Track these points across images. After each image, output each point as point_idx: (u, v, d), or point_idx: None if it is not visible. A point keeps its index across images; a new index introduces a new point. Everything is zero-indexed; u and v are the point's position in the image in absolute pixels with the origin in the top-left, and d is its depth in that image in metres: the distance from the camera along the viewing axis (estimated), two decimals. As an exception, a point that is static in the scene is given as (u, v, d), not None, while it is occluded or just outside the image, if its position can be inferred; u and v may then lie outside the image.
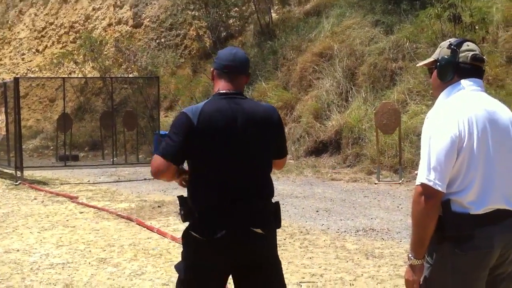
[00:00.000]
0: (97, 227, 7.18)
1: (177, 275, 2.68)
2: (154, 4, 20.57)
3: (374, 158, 10.25)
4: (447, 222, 2.13)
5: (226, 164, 2.56)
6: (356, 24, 13.69)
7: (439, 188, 2.11)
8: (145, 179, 11.73)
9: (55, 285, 4.89)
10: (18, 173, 11.87)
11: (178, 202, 2.65)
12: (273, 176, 2.74)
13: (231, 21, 18.37)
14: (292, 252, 5.61)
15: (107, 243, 6.33)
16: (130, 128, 14.97)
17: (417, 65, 2.88)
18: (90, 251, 6.01)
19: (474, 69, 2.31)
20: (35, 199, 9.57)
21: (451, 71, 2.30)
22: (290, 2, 17.16)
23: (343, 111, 12.08)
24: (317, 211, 7.58)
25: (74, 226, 7.26)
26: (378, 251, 5.54)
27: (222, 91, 2.66)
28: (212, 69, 2.77)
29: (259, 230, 2.57)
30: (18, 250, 6.08)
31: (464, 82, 2.29)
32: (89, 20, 22.19)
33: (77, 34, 21.65)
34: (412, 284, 2.23)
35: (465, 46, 2.32)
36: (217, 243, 2.50)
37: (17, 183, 11.38)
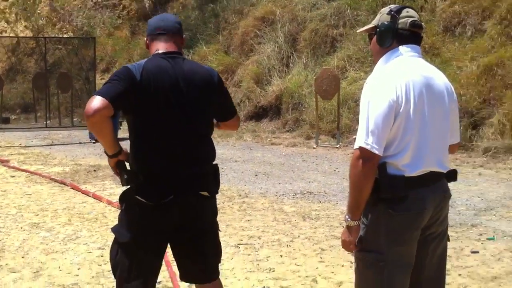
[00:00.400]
0: (29, 191, 6.96)
1: (113, 238, 2.62)
2: (90, -40, 19.75)
3: (313, 123, 10.36)
4: (382, 184, 2.17)
5: (169, 125, 2.50)
6: (299, -11, 13.60)
7: (376, 152, 2.14)
8: (80, 142, 11.45)
9: (-15, 250, 4.71)
10: None
11: (118, 167, 2.54)
12: (212, 140, 2.70)
13: (172, -19, 17.90)
14: (231, 215, 5.62)
15: (40, 207, 6.15)
16: (64, 90, 14.47)
17: (358, 31, 2.89)
18: (22, 215, 5.82)
19: (412, 35, 2.32)
20: (-37, 161, 9.16)
21: (390, 37, 2.30)
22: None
23: (284, 77, 12.11)
24: (256, 175, 7.62)
25: (5, 190, 7.01)
26: (315, 213, 5.63)
27: (161, 51, 2.58)
28: (145, 38, 2.69)
29: (205, 193, 2.55)
30: None
31: (402, 48, 2.30)
32: (21, -24, 21.05)
33: (9, -9, 20.55)
34: (348, 245, 2.27)
35: (404, 13, 2.32)
36: (164, 207, 2.46)
37: None
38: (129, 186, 2.55)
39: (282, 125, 11.40)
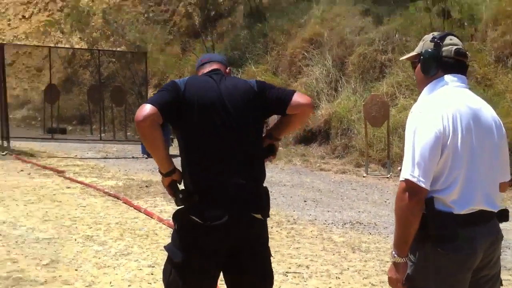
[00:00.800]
0: (83, 204, 7.18)
1: (165, 256, 2.66)
2: (144, -24, 20.27)
3: (363, 150, 10.28)
4: (430, 221, 2.10)
5: (218, 142, 2.53)
6: (346, 12, 13.66)
7: (423, 185, 2.07)
8: (133, 157, 11.70)
9: (41, 260, 4.89)
10: (5, 143, 11.74)
11: (171, 187, 2.59)
12: (264, 162, 2.73)
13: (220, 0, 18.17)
14: (279, 241, 5.66)
15: (94, 220, 6.34)
16: (118, 104, 14.85)
17: (401, 58, 2.83)
18: (76, 227, 6.02)
19: (457, 64, 2.25)
20: (22, 170, 9.53)
21: (434, 65, 2.24)
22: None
23: (332, 101, 12.11)
24: (305, 201, 7.64)
25: (60, 201, 7.25)
26: (365, 246, 5.60)
27: (206, 71, 2.75)
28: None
29: (259, 216, 2.57)
30: (4, 222, 6.08)
31: (448, 77, 2.24)
32: (77, -12, 21.77)
33: (64, 3, 21.28)
34: (396, 282, 2.19)
35: (448, 40, 2.26)
36: (218, 228, 2.47)
37: (3, 153, 11.27)
38: (182, 206, 2.58)
39: (331, 150, 11.34)
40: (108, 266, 4.80)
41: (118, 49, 18.16)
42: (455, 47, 2.25)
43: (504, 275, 2.39)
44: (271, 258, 2.78)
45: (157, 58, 17.56)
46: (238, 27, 16.89)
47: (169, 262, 2.62)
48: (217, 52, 16.05)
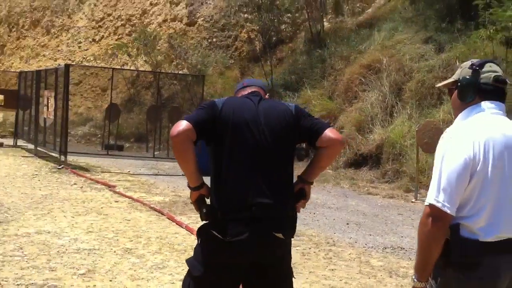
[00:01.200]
0: (128, 217, 7.32)
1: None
2: (209, 4, 20.82)
3: (414, 176, 10.04)
4: (454, 247, 2.07)
5: (248, 160, 2.56)
6: (408, 39, 13.50)
7: (448, 211, 2.04)
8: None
9: (78, 269, 5.01)
10: (62, 158, 12.22)
11: (198, 201, 2.63)
12: (292, 183, 2.73)
13: (283, 26, 18.40)
14: (316, 262, 5.57)
15: (135, 234, 6.45)
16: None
17: (437, 85, 2.81)
18: (117, 240, 6.13)
19: (496, 91, 2.23)
20: (75, 184, 9.83)
21: (471, 92, 2.22)
22: (344, 12, 17.07)
23: (386, 126, 11.93)
24: (347, 224, 7.51)
25: (106, 214, 7.42)
26: (403, 270, 5.43)
27: (245, 93, 2.80)
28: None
29: (280, 235, 2.57)
30: (49, 232, 6.27)
31: (485, 104, 2.22)
32: (145, 15, 22.63)
33: (133, 28, 22.13)
34: None
35: (487, 67, 2.24)
36: (238, 244, 2.49)
37: (60, 167, 11.72)
38: (206, 221, 2.61)
39: (381, 175, 11.18)
40: (142, 278, 4.86)
41: (180, 72, 18.64)
42: (494, 74, 2.24)
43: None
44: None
45: (216, 81, 17.89)
46: (298, 53, 17.01)
47: (189, 275, 2.66)
48: (274, 76, 16.23)
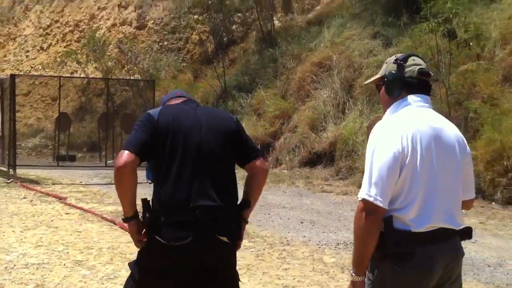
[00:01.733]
0: (79, 229, 7.17)
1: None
2: (159, 6, 20.65)
3: (366, 171, 10.16)
4: (388, 239, 2.09)
5: (188, 166, 2.55)
6: (356, 35, 13.70)
7: (380, 204, 2.06)
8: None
9: (26, 285, 4.87)
10: (11, 171, 11.90)
11: (142, 205, 2.60)
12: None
13: (233, 27, 18.41)
14: (269, 263, 5.57)
15: (86, 245, 6.31)
16: (128, 130, 14.93)
17: (364, 83, 2.87)
18: (67, 252, 5.99)
19: (421, 83, 2.27)
20: (25, 197, 9.58)
21: (398, 86, 2.26)
22: (293, 10, 17.18)
23: (339, 123, 12.06)
24: (302, 223, 7.54)
25: (57, 227, 7.25)
26: (355, 266, 5.47)
27: (179, 101, 2.79)
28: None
29: (224, 239, 2.56)
30: (-4, 249, 6.08)
31: (411, 97, 2.25)
32: (93, 20, 22.30)
33: (82, 33, 21.75)
34: None
35: (411, 61, 2.28)
36: (181, 249, 2.47)
37: (9, 181, 11.40)
38: (148, 226, 2.58)
39: (336, 172, 11.28)
40: (93, 290, 4.76)
41: (132, 77, 18.42)
42: (418, 67, 2.28)
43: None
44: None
45: (169, 85, 17.73)
46: (250, 53, 17.03)
47: (132, 278, 2.64)
48: (227, 78, 16.19)
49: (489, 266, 5.51)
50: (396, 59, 2.30)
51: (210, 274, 2.60)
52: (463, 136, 2.31)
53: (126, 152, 2.47)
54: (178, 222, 2.49)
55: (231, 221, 2.62)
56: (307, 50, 14.60)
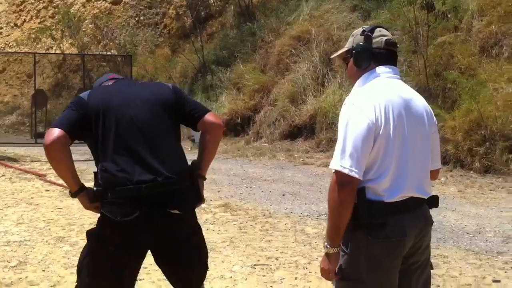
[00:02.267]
0: (60, 206, 7.12)
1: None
2: (135, -20, 20.30)
3: (346, 143, 10.22)
4: (361, 209, 2.10)
5: (126, 141, 2.52)
6: (335, 8, 13.67)
7: (356, 175, 2.06)
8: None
9: (9, 262, 4.84)
10: (-12, 149, 11.75)
11: (94, 179, 2.57)
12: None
13: (211, 1, 18.20)
14: (252, 235, 5.61)
15: (68, 222, 6.28)
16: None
17: (331, 56, 2.84)
18: (49, 229, 5.96)
19: (389, 54, 2.29)
20: (3, 175, 9.47)
21: (366, 58, 2.26)
22: (271, -17, 17.02)
23: (319, 96, 12.08)
24: (283, 195, 7.59)
25: (37, 204, 7.19)
26: (337, 236, 5.54)
27: (110, 80, 2.82)
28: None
29: (175, 211, 2.52)
30: (-24, 227, 6.02)
31: (380, 69, 2.26)
32: (68, -5, 21.83)
33: (56, 9, 21.31)
34: (328, 273, 2.19)
35: (377, 32, 2.28)
36: (131, 225, 2.45)
37: (-14, 159, 11.25)
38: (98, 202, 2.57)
39: (316, 144, 11.35)
40: (76, 266, 4.74)
41: (108, 53, 18.18)
42: (385, 37, 2.28)
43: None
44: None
45: (147, 61, 17.56)
46: (228, 27, 16.89)
47: (87, 248, 2.66)
48: (205, 52, 16.06)
49: (468, 233, 5.62)
50: (363, 31, 2.29)
51: (164, 244, 2.59)
52: (429, 107, 2.33)
53: (55, 129, 2.45)
54: (124, 197, 2.45)
55: (181, 190, 2.55)
56: (285, 24, 14.54)
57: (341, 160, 2.08)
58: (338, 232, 2.12)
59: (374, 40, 2.26)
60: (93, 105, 2.55)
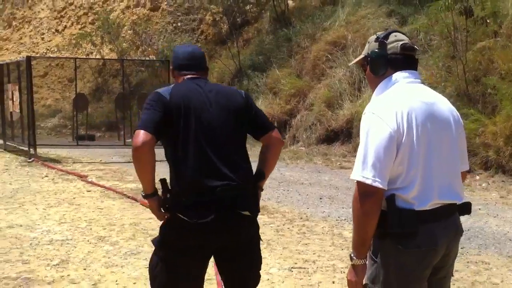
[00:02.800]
0: (101, 206, 7.28)
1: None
2: (172, -13, 20.59)
3: (383, 148, 10.15)
4: (390, 218, 2.04)
5: (203, 144, 2.57)
6: (371, 14, 13.58)
7: (380, 185, 2.01)
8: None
9: (51, 260, 4.99)
10: (31, 151, 12.04)
11: (161, 186, 2.64)
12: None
13: (247, 7, 18.32)
14: (289, 238, 5.64)
15: (109, 222, 6.42)
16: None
17: (349, 64, 2.85)
18: (91, 229, 6.11)
19: (406, 59, 2.23)
20: (46, 176, 9.72)
21: (382, 64, 2.22)
22: (307, -11, 17.04)
23: (355, 101, 12.02)
24: (321, 198, 7.59)
25: (79, 204, 7.37)
26: (374, 240, 5.52)
27: (188, 77, 2.75)
28: (171, 67, 2.86)
29: (247, 213, 2.60)
30: (21, 226, 6.21)
31: (399, 74, 2.21)
32: (107, 2, 22.28)
33: (96, 16, 21.77)
34: (354, 285, 2.14)
35: (392, 37, 2.24)
36: (204, 226, 2.51)
37: (30, 160, 11.55)
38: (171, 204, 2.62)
39: (353, 149, 11.27)
40: (116, 265, 4.86)
41: (147, 58, 18.46)
42: (401, 42, 2.22)
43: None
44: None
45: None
46: (264, 33, 16.96)
47: (156, 254, 2.69)
48: (241, 58, 16.10)
49: (510, 240, 5.53)
50: (377, 37, 2.26)
51: (235, 251, 2.66)
52: (455, 109, 2.27)
53: (142, 131, 2.48)
54: (200, 201, 2.53)
55: (250, 195, 2.67)
56: (321, 29, 14.51)
57: (363, 171, 2.03)
58: (364, 243, 2.08)
59: (389, 46, 2.22)
60: (175, 105, 2.58)
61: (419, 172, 2.07)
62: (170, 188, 2.63)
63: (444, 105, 2.22)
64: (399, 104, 2.10)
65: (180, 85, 2.71)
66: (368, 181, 2.01)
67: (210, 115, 2.60)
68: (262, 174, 2.77)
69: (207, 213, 2.50)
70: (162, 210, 2.64)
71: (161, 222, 2.72)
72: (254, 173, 2.74)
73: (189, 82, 2.71)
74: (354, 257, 2.12)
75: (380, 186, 2.01)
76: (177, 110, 2.57)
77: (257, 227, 2.77)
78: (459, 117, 2.27)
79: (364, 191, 2.02)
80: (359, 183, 2.04)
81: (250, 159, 2.74)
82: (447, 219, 2.14)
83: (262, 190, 2.83)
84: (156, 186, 2.63)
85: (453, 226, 2.19)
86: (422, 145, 2.08)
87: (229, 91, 2.79)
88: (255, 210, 2.70)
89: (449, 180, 2.16)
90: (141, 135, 2.47)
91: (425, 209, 2.07)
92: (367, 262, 2.13)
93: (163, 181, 2.66)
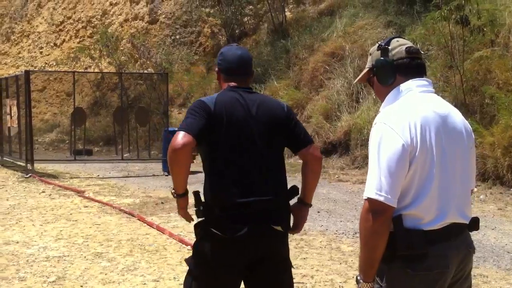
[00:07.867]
0: (98, 222, 7.24)
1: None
2: (170, 0, 20.67)
3: (381, 160, 10.12)
4: (399, 240, 1.91)
5: (242, 157, 2.56)
6: (369, 25, 13.63)
7: (390, 203, 1.88)
8: (153, 175, 11.81)
9: (48, 277, 4.95)
10: (29, 166, 12.02)
11: (194, 198, 2.62)
12: (284, 174, 2.75)
13: (245, 19, 18.40)
14: (287, 252, 5.59)
15: (106, 237, 6.38)
16: (142, 124, 15.01)
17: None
18: (87, 245, 6.07)
19: (414, 63, 2.10)
20: (43, 192, 9.68)
21: (390, 72, 2.08)
22: (305, 1, 17.13)
23: (353, 112, 12.02)
24: (319, 212, 7.55)
25: (76, 220, 7.33)
26: (373, 254, 5.48)
27: (232, 85, 2.70)
28: (217, 69, 2.80)
29: (279, 228, 2.59)
30: (17, 242, 6.17)
31: (411, 82, 2.08)
32: (106, 15, 22.38)
33: (94, 29, 21.85)
34: None
35: (395, 43, 2.13)
36: (238, 241, 2.49)
37: (27, 176, 11.52)
38: (203, 218, 2.61)
39: (351, 161, 11.27)
40: (114, 282, 4.82)
41: (145, 71, 18.49)
42: (405, 46, 2.11)
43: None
44: (292, 269, 2.82)
45: (182, 78, 17.81)
46: (262, 44, 17.01)
47: (189, 274, 2.66)
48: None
49: (508, 252, 5.50)
50: (379, 45, 2.15)
51: (266, 264, 2.62)
52: (467, 122, 2.15)
53: (184, 133, 2.44)
54: (233, 214, 2.51)
55: (283, 210, 2.66)
56: (319, 40, 14.54)
57: (376, 187, 1.90)
58: (373, 264, 1.94)
59: (393, 52, 2.10)
60: (219, 114, 2.55)
61: (431, 187, 1.94)
62: (202, 200, 2.61)
63: (457, 118, 2.08)
64: (413, 114, 1.96)
65: (223, 94, 2.65)
66: (381, 198, 1.88)
67: (250, 128, 2.58)
68: (295, 190, 2.74)
69: (240, 226, 2.48)
70: (196, 221, 2.64)
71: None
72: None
73: (232, 92, 2.66)
74: (361, 280, 1.98)
75: (391, 204, 1.89)
76: (219, 121, 2.54)
77: (287, 248, 2.74)
78: (472, 132, 2.14)
79: (374, 209, 1.89)
80: (369, 200, 1.91)
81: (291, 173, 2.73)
82: (457, 238, 2.01)
83: (309, 205, 2.83)
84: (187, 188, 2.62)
85: (464, 246, 2.06)
86: (436, 160, 1.95)
87: (271, 103, 2.72)
88: (287, 226, 2.69)
89: (459, 198, 2.04)
90: (183, 136, 2.43)
91: (434, 228, 1.95)
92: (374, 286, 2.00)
93: (196, 193, 2.63)
